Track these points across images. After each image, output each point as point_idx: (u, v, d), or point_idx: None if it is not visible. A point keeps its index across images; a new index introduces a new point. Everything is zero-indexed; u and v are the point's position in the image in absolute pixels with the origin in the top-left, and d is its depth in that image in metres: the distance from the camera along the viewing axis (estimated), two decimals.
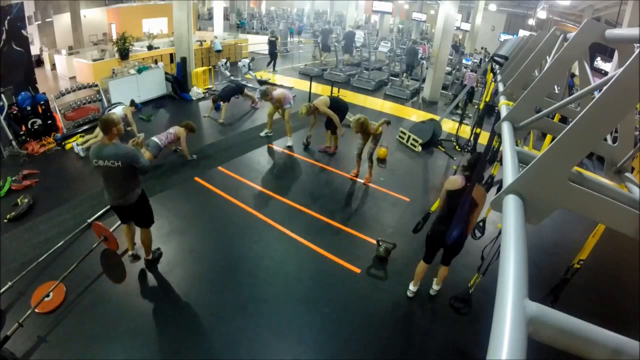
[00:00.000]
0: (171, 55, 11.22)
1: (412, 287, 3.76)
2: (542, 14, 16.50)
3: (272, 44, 12.67)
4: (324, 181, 5.96)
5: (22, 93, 6.31)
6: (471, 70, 11.99)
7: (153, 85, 8.97)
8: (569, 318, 0.59)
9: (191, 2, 9.82)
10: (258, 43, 16.56)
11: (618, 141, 1.38)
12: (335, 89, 9.88)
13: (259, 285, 3.78)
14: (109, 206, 4.57)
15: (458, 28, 18.80)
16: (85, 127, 6.93)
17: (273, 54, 12.85)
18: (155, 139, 5.54)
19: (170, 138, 5.71)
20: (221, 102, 7.97)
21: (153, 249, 3.92)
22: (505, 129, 1.45)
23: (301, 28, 23.76)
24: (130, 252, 3.91)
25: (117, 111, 6.27)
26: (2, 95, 5.95)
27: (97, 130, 6.07)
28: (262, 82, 10.65)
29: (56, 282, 3.35)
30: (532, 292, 0.60)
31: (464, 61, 14.19)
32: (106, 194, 3.40)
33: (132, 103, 6.70)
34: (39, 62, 12.08)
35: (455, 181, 3.26)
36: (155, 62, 10.22)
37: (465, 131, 8.02)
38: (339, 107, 6.30)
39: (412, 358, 3.21)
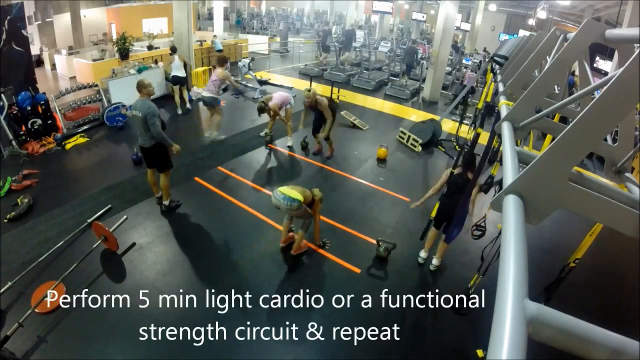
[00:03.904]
0: None
1: (422, 254, 4.03)
2: (542, 14, 16.50)
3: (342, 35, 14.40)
4: (324, 181, 5.96)
5: (22, 93, 6.31)
6: (471, 71, 11.99)
7: (153, 85, 8.93)
8: (569, 318, 0.59)
9: (191, 2, 9.81)
10: (258, 43, 16.54)
11: (618, 141, 1.38)
12: (335, 89, 9.86)
13: (259, 286, 3.78)
14: (109, 206, 4.69)
15: (458, 28, 18.75)
16: (85, 127, 6.93)
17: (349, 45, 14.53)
18: (206, 93, 5.70)
19: (217, 84, 6.29)
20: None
21: (175, 202, 4.78)
22: (505, 129, 1.45)
23: (290, 24, 23.79)
24: (156, 195, 4.77)
25: None
26: (2, 95, 5.94)
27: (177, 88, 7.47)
28: (262, 82, 10.63)
29: (56, 282, 3.35)
30: (529, 291, 0.60)
31: (464, 61, 14.17)
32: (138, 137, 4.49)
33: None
34: (39, 62, 12.05)
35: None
36: (156, 62, 10.20)
37: (466, 131, 8.01)
38: (333, 111, 6.51)
39: (412, 358, 3.21)
